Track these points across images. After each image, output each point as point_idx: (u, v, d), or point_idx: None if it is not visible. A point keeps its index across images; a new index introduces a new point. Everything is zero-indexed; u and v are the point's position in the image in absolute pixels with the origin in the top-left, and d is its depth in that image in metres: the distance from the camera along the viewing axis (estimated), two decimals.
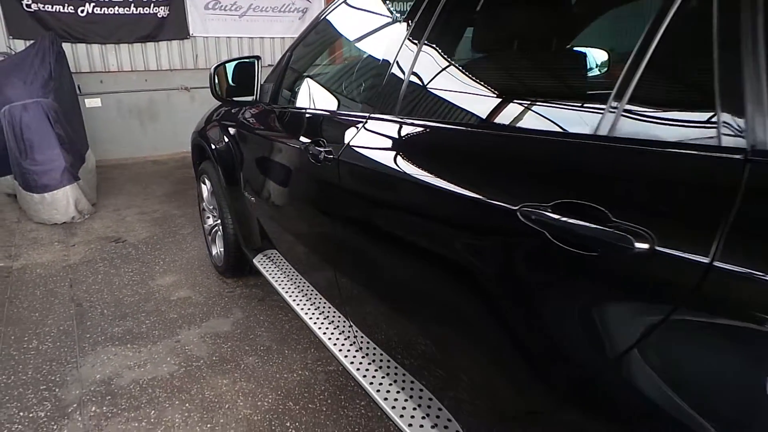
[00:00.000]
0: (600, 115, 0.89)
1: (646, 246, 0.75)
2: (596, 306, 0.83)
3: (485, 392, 1.13)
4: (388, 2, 1.69)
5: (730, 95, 0.73)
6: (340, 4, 1.90)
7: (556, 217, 0.87)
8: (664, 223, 0.75)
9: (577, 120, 0.97)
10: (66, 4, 5.49)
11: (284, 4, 6.71)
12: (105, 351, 2.42)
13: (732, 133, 0.72)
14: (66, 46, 5.47)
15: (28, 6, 5.33)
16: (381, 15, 1.67)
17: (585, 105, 0.98)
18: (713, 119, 0.75)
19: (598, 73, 1.04)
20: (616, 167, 0.85)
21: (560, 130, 0.98)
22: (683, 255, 0.71)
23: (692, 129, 0.79)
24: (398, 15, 1.52)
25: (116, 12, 5.73)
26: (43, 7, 5.40)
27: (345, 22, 1.93)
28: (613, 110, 0.88)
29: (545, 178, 0.95)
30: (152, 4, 5.90)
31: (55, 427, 1.95)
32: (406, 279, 1.33)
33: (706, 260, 0.68)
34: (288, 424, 1.96)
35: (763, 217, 0.67)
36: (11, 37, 5.36)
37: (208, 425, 1.95)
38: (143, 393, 2.14)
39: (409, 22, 1.42)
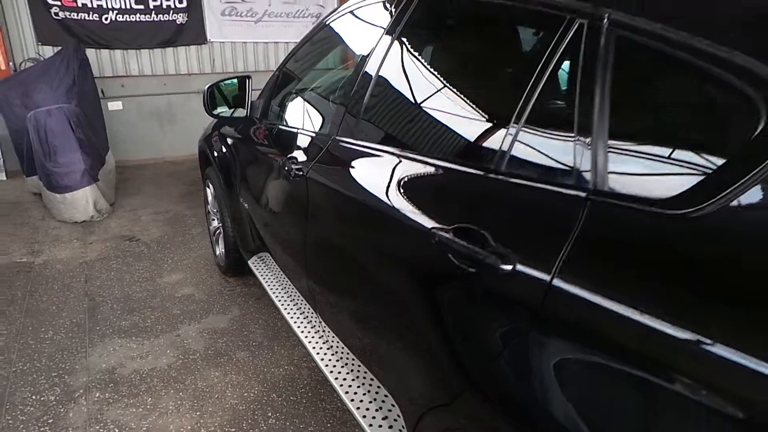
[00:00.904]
0: (493, 154, 1.04)
1: (509, 267, 0.90)
2: (480, 316, 0.98)
3: (412, 381, 1.30)
4: (349, 40, 1.85)
5: (582, 144, 0.88)
6: (318, 32, 2.07)
7: (452, 238, 1.02)
8: (526, 247, 0.90)
9: (477, 156, 1.12)
10: (91, 12, 5.78)
11: (298, 9, 6.91)
12: (112, 342, 2.64)
13: (583, 174, 0.87)
14: (90, 52, 5.78)
15: (56, 14, 5.63)
16: (345, 50, 1.83)
17: (483, 144, 1.13)
18: (572, 164, 0.90)
19: (496, 117, 1.18)
20: (498, 197, 1.00)
21: (462, 163, 1.13)
22: (533, 274, 0.86)
23: (559, 169, 0.93)
24: (358, 52, 1.69)
25: (138, 19, 6.01)
26: (70, 15, 5.70)
27: (319, 50, 2.11)
28: (504, 149, 1.03)
29: (451, 204, 1.11)
30: (171, 11, 6.17)
31: (62, 410, 2.17)
32: (356, 286, 1.50)
33: (546, 279, 0.83)
34: (269, 414, 2.15)
35: (591, 248, 0.81)
36: (40, 43, 5.67)
37: (198, 413, 2.15)
38: (143, 382, 2.35)
39: (365, 61, 1.59)
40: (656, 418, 0.69)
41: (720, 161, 0.73)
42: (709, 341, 0.64)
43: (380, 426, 1.55)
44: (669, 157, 0.80)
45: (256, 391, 2.29)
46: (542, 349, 0.85)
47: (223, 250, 3.19)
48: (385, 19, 1.60)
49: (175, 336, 2.71)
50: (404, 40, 1.48)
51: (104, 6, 5.81)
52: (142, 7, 5.98)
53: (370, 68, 1.55)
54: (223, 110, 2.47)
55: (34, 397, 2.25)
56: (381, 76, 1.52)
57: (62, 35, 5.67)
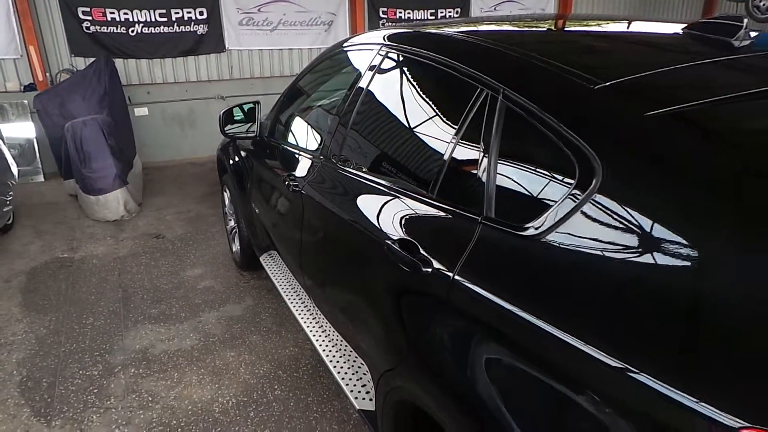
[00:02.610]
0: (428, 185, 1.42)
1: (429, 269, 1.28)
2: (412, 304, 1.36)
3: (375, 352, 1.68)
4: (336, 78, 2.24)
5: (481, 180, 1.25)
6: (315, 66, 2.47)
7: (396, 247, 1.40)
8: (441, 255, 1.28)
9: (418, 185, 1.50)
10: (119, 26, 6.24)
11: (311, 18, 7.28)
12: (143, 328, 3.08)
13: (479, 203, 1.24)
14: (118, 62, 6.25)
15: (87, 28, 6.11)
16: (334, 85, 2.22)
17: (421, 176, 1.51)
18: (474, 195, 1.27)
19: (429, 157, 1.54)
20: (429, 217, 1.38)
21: (407, 189, 1.52)
22: (442, 273, 1.24)
23: (467, 198, 1.30)
24: (342, 90, 2.07)
25: (161, 31, 6.46)
26: (100, 29, 6.17)
27: (315, 82, 2.50)
28: (435, 181, 1.40)
29: (398, 220, 1.49)
30: (193, 23, 6.60)
31: (104, 382, 2.61)
32: (337, 280, 1.90)
33: (450, 276, 1.21)
34: (275, 387, 2.56)
35: (478, 256, 1.19)
36: (73, 55, 6.16)
37: (216, 385, 2.57)
38: (170, 360, 2.77)
39: (345, 99, 1.97)
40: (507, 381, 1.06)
41: (554, 200, 1.09)
42: (541, 322, 1.00)
43: (360, 391, 1.94)
44: (527, 195, 1.16)
45: (265, 369, 2.70)
46: (448, 327, 1.23)
47: (239, 247, 3.61)
48: (360, 66, 1.98)
49: (197, 322, 3.13)
50: (372, 87, 1.86)
51: (131, 19, 6.27)
52: (165, 19, 6.43)
53: (349, 106, 1.94)
54: (234, 127, 2.88)
55: (81, 371, 2.70)
56: (357, 113, 1.90)
57: (93, 47, 6.15)
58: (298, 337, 2.96)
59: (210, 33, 6.75)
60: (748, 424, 0.72)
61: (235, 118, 2.85)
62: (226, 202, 3.76)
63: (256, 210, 3.00)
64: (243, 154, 3.16)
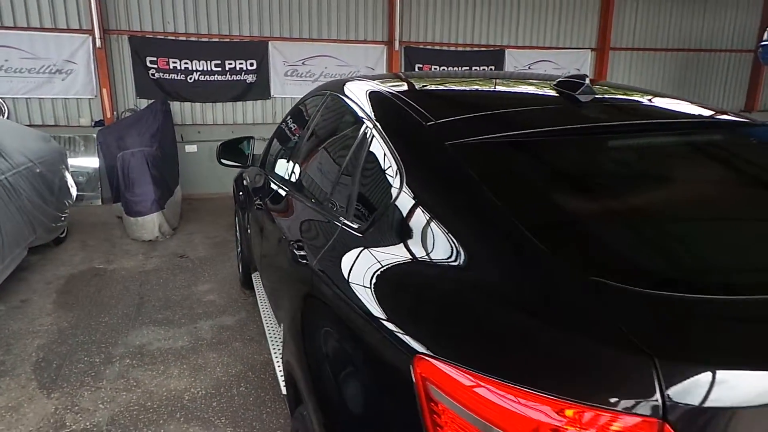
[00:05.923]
0: (323, 198, 1.77)
1: (305, 261, 1.61)
2: (301, 287, 1.69)
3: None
4: (299, 123, 2.69)
5: (347, 195, 1.59)
6: (292, 112, 2.93)
7: (294, 247, 1.75)
8: (314, 249, 1.62)
9: (316, 198, 1.85)
10: (179, 73, 7.12)
11: (351, 71, 7.94)
12: (147, 329, 3.52)
13: (344, 211, 1.58)
14: (176, 105, 7.09)
15: (153, 75, 7.01)
16: (300, 120, 2.66)
17: (317, 192, 1.86)
18: (344, 207, 1.60)
19: (329, 180, 1.90)
20: (318, 223, 1.73)
21: (310, 206, 1.87)
22: (311, 264, 1.57)
23: (340, 209, 1.64)
24: (305, 127, 2.50)
25: (215, 79, 7.28)
26: (163, 76, 7.06)
27: (289, 120, 2.95)
28: (326, 195, 1.76)
29: (300, 225, 1.85)
30: (243, 72, 7.40)
31: (102, 368, 3.04)
32: (274, 276, 2.26)
33: (313, 266, 1.54)
34: (242, 384, 2.89)
35: (333, 248, 1.51)
36: (138, 97, 7.06)
37: (192, 379, 2.93)
38: (161, 356, 3.18)
39: (306, 134, 2.40)
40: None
41: (376, 211, 1.41)
42: (366, 298, 1.31)
43: None
44: (367, 202, 1.49)
45: (238, 369, 3.04)
46: (312, 304, 1.56)
47: (241, 267, 4.03)
48: (314, 105, 2.42)
49: (193, 328, 3.54)
50: (313, 122, 2.28)
51: (190, 68, 7.14)
52: (219, 69, 7.27)
53: (298, 139, 2.36)
54: (230, 158, 3.34)
55: (86, 358, 3.14)
56: (299, 146, 2.32)
57: (156, 91, 7.03)
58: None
59: (258, 82, 7.52)
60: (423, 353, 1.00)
61: (232, 150, 3.32)
62: (238, 228, 4.23)
63: (249, 232, 3.43)
64: (243, 183, 3.63)
